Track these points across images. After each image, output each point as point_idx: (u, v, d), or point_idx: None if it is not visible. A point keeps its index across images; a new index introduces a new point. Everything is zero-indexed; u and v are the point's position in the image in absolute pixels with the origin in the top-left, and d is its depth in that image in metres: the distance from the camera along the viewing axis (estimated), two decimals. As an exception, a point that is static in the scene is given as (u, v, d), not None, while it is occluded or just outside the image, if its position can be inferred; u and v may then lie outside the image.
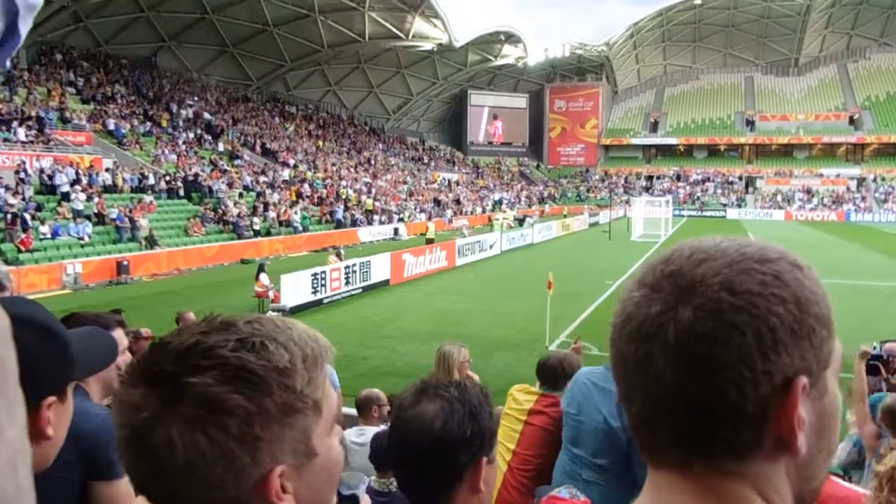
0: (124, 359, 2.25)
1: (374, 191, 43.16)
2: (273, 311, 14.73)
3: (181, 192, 28.95)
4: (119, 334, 2.23)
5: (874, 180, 61.24)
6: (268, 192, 33.43)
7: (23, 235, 20.16)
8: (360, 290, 18.16)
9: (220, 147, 37.53)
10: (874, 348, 5.26)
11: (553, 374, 3.70)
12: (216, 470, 0.65)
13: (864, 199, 58.95)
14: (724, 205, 61.38)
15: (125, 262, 20.87)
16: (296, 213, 32.11)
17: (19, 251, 19.77)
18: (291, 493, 0.69)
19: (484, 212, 50.97)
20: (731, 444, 0.59)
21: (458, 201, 51.21)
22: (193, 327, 0.72)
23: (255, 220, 29.12)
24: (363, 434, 4.16)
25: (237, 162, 36.56)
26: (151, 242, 23.53)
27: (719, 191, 65.03)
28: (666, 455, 0.63)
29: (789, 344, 0.58)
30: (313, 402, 0.71)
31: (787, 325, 0.58)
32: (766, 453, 0.60)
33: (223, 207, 28.89)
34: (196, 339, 0.69)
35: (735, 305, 0.58)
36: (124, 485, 1.87)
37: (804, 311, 0.59)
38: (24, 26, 0.57)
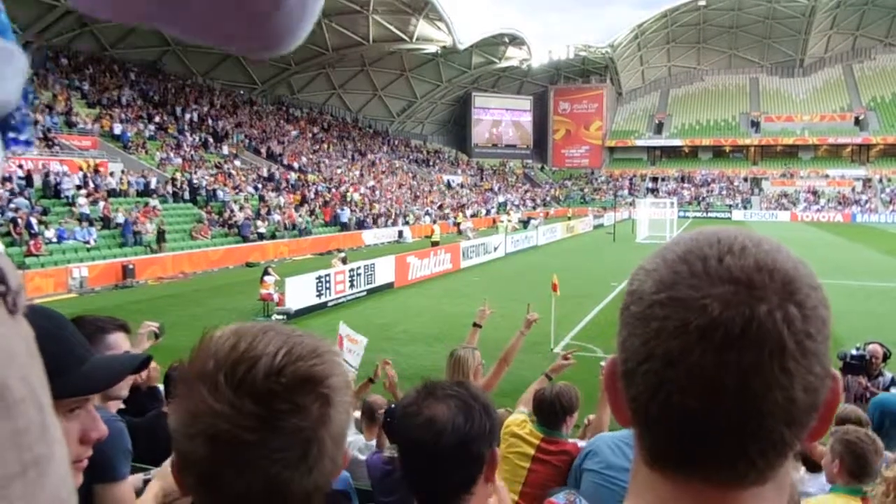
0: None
1: (378, 193, 43.20)
2: (278, 314, 14.76)
3: (186, 196, 29.04)
4: (118, 338, 2.23)
5: (880, 181, 60.99)
6: (272, 195, 33.52)
7: (29, 240, 20.23)
8: (365, 293, 18.17)
9: (225, 151, 37.64)
10: (857, 349, 5.33)
11: (550, 411, 3.51)
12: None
13: (869, 200, 58.73)
14: (730, 206, 61.21)
15: (131, 266, 20.94)
16: (300, 216, 32.17)
17: (26, 255, 19.83)
18: None
19: (488, 214, 50.99)
20: (792, 447, 0.55)
21: (462, 204, 51.23)
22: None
23: (260, 223, 29.19)
24: (370, 448, 4.12)
25: (242, 165, 36.65)
26: (159, 239, 23.59)
27: (724, 192, 64.87)
28: (714, 470, 0.55)
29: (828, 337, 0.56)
30: None
31: (829, 319, 0.56)
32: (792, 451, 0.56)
33: (228, 211, 28.97)
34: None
35: (821, 300, 0.55)
36: (127, 486, 1.88)
37: (827, 304, 0.57)
38: None
